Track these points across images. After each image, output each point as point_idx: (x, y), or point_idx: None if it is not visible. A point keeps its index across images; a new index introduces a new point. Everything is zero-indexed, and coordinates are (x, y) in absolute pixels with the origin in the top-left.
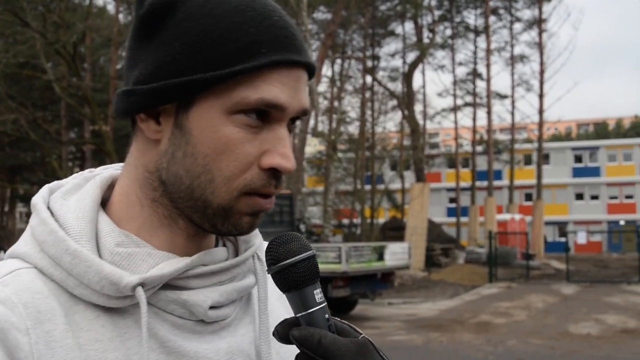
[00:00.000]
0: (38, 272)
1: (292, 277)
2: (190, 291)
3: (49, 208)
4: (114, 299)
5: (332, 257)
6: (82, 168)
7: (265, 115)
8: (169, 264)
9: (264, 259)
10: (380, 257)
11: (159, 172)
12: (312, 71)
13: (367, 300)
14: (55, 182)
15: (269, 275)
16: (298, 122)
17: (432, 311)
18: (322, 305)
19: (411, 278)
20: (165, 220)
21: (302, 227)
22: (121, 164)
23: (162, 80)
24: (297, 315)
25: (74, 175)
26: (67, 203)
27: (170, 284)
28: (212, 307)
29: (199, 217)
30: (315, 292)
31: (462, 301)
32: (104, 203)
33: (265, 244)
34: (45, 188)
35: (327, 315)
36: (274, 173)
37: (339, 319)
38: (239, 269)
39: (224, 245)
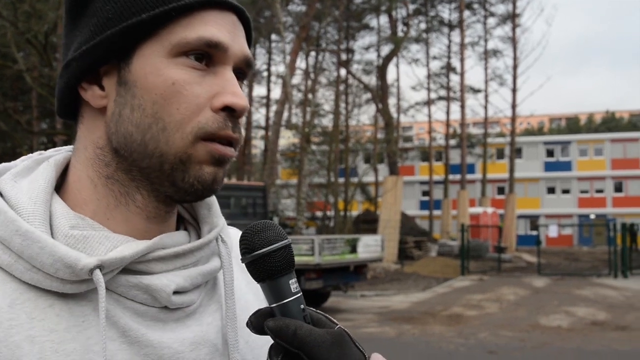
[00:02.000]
0: None
1: (267, 267)
2: (152, 276)
3: None
4: (69, 283)
5: (305, 250)
6: None
7: (208, 58)
8: (129, 247)
9: (228, 241)
10: (353, 250)
11: (110, 142)
12: (246, 23)
13: (339, 293)
14: (3, 165)
15: (236, 259)
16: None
17: (404, 303)
18: (297, 296)
19: (384, 270)
20: (121, 198)
21: (276, 220)
22: (72, 146)
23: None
24: (272, 305)
25: (22, 158)
26: (19, 185)
27: (130, 269)
28: (176, 293)
29: (157, 177)
30: (290, 282)
31: (435, 294)
32: (58, 188)
33: (231, 228)
34: None
35: (302, 306)
36: (229, 115)
37: (314, 310)
38: (202, 252)
39: (186, 229)
